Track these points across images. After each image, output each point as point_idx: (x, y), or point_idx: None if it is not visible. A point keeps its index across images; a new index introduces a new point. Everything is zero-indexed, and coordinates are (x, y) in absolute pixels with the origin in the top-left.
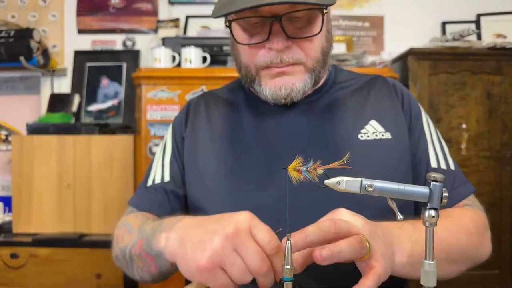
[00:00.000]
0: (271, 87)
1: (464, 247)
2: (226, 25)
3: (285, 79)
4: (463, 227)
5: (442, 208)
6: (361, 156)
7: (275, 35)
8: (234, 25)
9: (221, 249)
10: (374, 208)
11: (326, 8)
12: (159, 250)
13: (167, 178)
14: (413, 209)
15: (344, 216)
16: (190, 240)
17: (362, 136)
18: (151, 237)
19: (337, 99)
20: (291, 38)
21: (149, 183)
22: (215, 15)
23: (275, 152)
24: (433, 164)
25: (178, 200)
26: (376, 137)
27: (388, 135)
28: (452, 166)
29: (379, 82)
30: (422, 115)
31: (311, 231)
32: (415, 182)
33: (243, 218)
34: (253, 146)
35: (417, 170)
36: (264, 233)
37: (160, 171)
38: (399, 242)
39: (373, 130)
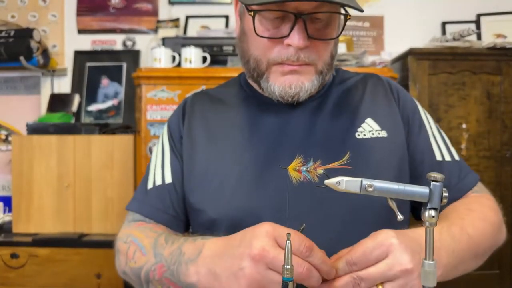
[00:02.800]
0: (281, 84)
1: (491, 242)
2: (250, 15)
3: (295, 77)
4: (489, 221)
5: (459, 198)
6: (359, 155)
7: (297, 32)
8: (256, 16)
9: (255, 274)
10: (374, 208)
11: (350, 15)
12: (191, 284)
13: (168, 180)
14: (409, 208)
15: (397, 253)
16: (222, 272)
17: (359, 135)
18: (176, 268)
19: (333, 99)
20: (311, 38)
21: (150, 185)
22: (246, 2)
23: (273, 151)
24: (438, 157)
25: (182, 201)
26: (373, 136)
27: (384, 133)
28: (456, 157)
29: (373, 80)
30: (419, 109)
31: None
32: (417, 178)
33: (265, 233)
34: (250, 145)
35: (421, 165)
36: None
37: (160, 172)
38: (439, 258)
39: (369, 129)
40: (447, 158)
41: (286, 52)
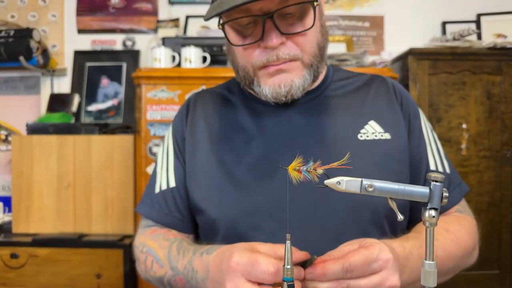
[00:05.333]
0: (271, 86)
1: (458, 265)
2: (219, 28)
3: (283, 76)
4: (461, 245)
5: (441, 213)
6: (361, 156)
7: (268, 33)
8: (227, 28)
9: None
10: (372, 207)
11: (317, 1)
12: None
13: (172, 184)
14: (408, 209)
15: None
16: None
17: (361, 136)
18: (195, 283)
19: (335, 98)
20: (285, 34)
21: (157, 189)
22: (206, 17)
23: (274, 152)
24: (432, 166)
25: (188, 203)
26: (376, 138)
27: (387, 136)
28: (447, 169)
29: (378, 81)
30: (420, 116)
31: None
32: (414, 183)
33: (239, 248)
34: (252, 146)
35: (417, 171)
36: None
37: (165, 177)
38: (403, 274)
39: (372, 131)
40: (440, 169)
41: (265, 54)
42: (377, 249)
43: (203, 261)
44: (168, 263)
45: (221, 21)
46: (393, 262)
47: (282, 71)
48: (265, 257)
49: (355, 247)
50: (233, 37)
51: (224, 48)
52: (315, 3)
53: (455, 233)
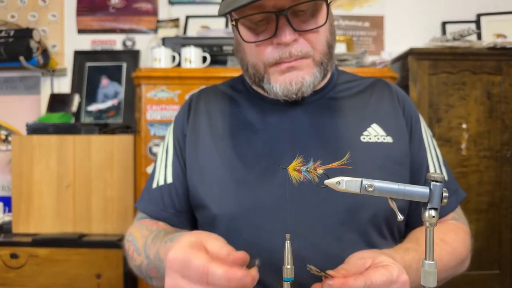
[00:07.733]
0: (282, 83)
1: (451, 274)
2: (232, 25)
3: (294, 74)
4: (456, 256)
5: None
6: (362, 158)
7: (282, 29)
8: (239, 25)
9: (172, 285)
10: (372, 207)
11: None
12: None
13: (169, 180)
14: (407, 212)
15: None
16: None
17: (364, 138)
18: (162, 272)
19: (339, 100)
20: (298, 31)
21: (154, 185)
22: (221, 13)
23: (277, 150)
24: (431, 171)
25: (184, 199)
26: (378, 140)
27: (389, 139)
28: (445, 176)
29: (381, 85)
30: (420, 123)
31: None
32: None
33: (183, 242)
34: (255, 143)
35: (417, 176)
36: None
37: (163, 173)
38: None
39: (374, 133)
40: None
41: (278, 51)
42: (396, 270)
43: (166, 249)
44: (143, 251)
45: (232, 18)
46: (408, 284)
47: (293, 69)
48: (199, 258)
49: (368, 261)
50: (245, 34)
51: (224, 48)
52: (328, 0)
53: (451, 244)
